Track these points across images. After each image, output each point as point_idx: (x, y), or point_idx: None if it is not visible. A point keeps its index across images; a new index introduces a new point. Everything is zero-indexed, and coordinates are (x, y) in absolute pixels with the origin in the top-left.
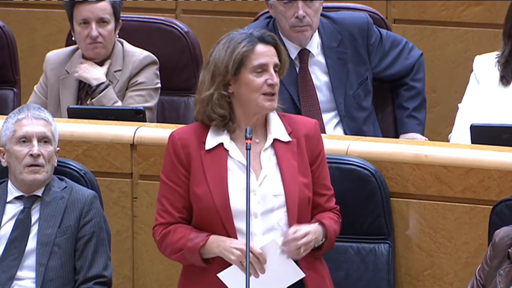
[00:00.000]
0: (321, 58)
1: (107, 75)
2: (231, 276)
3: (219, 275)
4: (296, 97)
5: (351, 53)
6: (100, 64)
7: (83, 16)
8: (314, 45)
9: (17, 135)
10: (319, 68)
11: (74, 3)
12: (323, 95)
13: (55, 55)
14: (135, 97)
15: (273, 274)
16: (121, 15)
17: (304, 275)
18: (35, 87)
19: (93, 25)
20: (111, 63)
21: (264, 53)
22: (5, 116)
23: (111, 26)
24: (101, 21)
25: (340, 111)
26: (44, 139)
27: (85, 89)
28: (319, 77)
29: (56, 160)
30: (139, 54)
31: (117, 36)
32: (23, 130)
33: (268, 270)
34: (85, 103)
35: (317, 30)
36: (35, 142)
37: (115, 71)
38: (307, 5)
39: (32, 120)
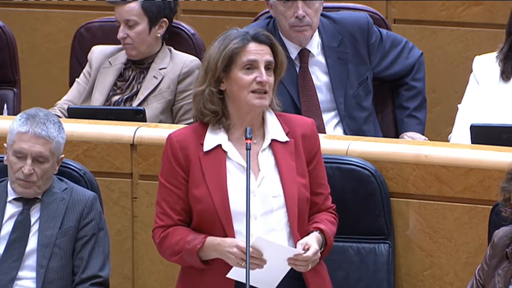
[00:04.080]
0: (321, 58)
1: (150, 70)
2: (238, 274)
3: (228, 275)
4: (296, 97)
5: (351, 53)
6: (142, 62)
7: (116, 18)
8: (314, 45)
9: (15, 147)
10: (319, 68)
11: (113, 6)
12: (323, 95)
13: (101, 47)
14: (188, 108)
15: (273, 263)
16: None
17: (302, 251)
18: (77, 79)
19: (121, 26)
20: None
21: (255, 51)
22: (9, 117)
23: (140, 27)
24: (128, 23)
25: (341, 111)
26: (39, 159)
27: (119, 86)
28: (319, 77)
29: (57, 168)
30: (187, 56)
31: (159, 34)
32: (20, 145)
33: (267, 260)
34: (114, 98)
35: (317, 30)
36: (29, 161)
37: (160, 69)
38: (307, 5)
39: (31, 137)
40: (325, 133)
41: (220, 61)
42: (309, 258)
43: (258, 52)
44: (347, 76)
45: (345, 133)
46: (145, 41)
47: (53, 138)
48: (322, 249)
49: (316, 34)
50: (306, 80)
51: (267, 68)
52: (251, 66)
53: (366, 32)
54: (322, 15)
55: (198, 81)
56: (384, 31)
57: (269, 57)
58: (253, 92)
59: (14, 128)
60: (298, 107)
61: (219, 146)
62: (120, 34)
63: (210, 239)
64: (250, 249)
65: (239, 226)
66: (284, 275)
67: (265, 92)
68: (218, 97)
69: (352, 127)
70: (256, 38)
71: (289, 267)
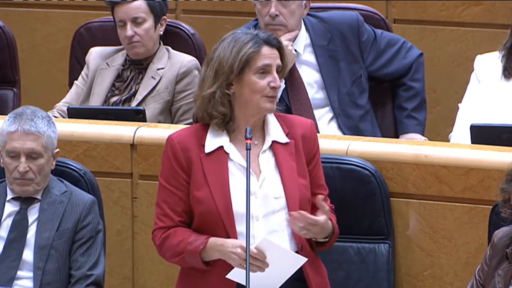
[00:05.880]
0: (311, 57)
1: (148, 71)
2: (239, 275)
3: (228, 276)
4: (285, 96)
5: (342, 51)
6: (140, 63)
7: (119, 17)
8: (300, 44)
9: (7, 148)
10: (309, 67)
11: (113, 6)
12: (316, 93)
13: (98, 49)
14: (187, 108)
15: (275, 267)
16: None
17: (306, 259)
18: (75, 81)
19: (128, 25)
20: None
21: (269, 55)
22: (5, 116)
23: (148, 24)
24: (136, 21)
25: (335, 109)
26: (32, 155)
27: (117, 87)
28: (311, 76)
29: (54, 164)
30: (185, 56)
31: (161, 32)
32: (12, 145)
33: (270, 264)
34: (112, 99)
35: (304, 29)
36: (23, 158)
37: (158, 69)
38: (281, 5)
39: (21, 135)
40: (318, 130)
41: (237, 65)
42: (318, 223)
43: (271, 56)
44: (339, 74)
45: (341, 129)
46: (152, 38)
47: (43, 133)
48: (327, 238)
49: (303, 33)
50: (294, 78)
51: (277, 72)
52: (265, 70)
53: (356, 30)
54: (310, 15)
55: (206, 82)
56: (379, 31)
57: (279, 61)
58: (265, 96)
59: (4, 129)
60: (288, 106)
61: (221, 147)
62: (129, 32)
63: (213, 240)
64: (255, 251)
65: (241, 227)
66: (284, 281)
67: (275, 96)
68: (227, 99)
69: (348, 125)
70: (268, 42)
71: (290, 274)
